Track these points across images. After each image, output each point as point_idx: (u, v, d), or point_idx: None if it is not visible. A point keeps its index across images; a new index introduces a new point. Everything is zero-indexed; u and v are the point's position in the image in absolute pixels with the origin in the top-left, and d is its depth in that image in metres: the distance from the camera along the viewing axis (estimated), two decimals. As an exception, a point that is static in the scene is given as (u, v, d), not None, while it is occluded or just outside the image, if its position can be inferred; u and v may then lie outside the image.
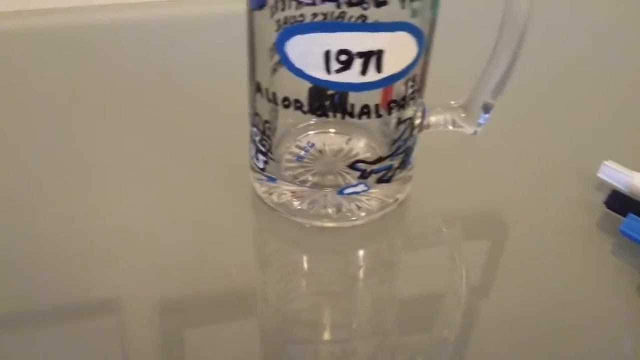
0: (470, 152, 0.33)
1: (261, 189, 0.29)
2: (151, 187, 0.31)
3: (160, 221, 0.29)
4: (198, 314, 0.25)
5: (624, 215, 0.28)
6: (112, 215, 0.29)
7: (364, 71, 0.24)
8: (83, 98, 0.37)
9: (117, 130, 0.34)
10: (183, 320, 0.25)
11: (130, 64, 0.40)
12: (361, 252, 0.29)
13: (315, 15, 0.23)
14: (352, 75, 0.24)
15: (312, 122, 0.29)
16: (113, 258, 0.27)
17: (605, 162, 0.30)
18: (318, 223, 0.28)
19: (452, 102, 0.29)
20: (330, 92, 0.25)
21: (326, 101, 0.25)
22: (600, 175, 0.30)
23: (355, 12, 0.23)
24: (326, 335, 0.25)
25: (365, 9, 0.23)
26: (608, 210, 0.29)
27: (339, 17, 0.23)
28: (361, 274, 0.28)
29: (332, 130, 0.29)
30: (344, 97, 0.25)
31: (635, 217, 0.27)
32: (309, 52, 0.23)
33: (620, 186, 0.30)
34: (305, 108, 0.25)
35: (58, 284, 0.26)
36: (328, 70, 0.24)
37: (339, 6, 0.22)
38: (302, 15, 0.24)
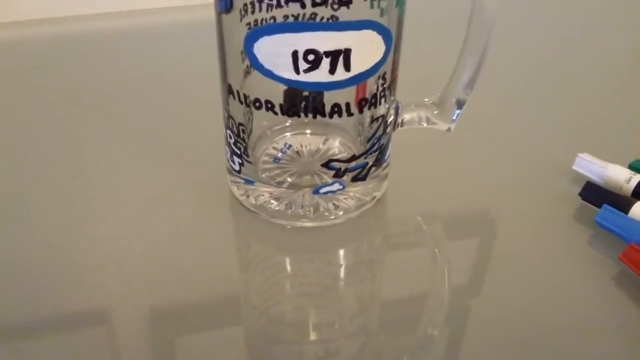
0: (446, 149, 0.33)
1: (238, 191, 0.29)
2: (128, 194, 0.31)
3: (139, 228, 0.29)
4: (182, 321, 0.25)
5: (599, 206, 0.28)
6: (91, 222, 0.29)
7: (332, 70, 0.24)
8: (57, 107, 0.37)
9: (93, 137, 0.34)
10: (166, 328, 0.25)
11: (105, 71, 0.40)
12: (342, 251, 0.29)
13: (286, 17, 0.24)
14: (321, 75, 0.24)
15: (288, 123, 0.29)
16: (102, 266, 0.27)
17: (580, 155, 0.31)
18: (297, 223, 0.28)
19: (426, 100, 0.29)
20: (305, 93, 0.25)
21: (302, 102, 0.25)
22: (575, 167, 0.31)
23: (326, 12, 0.23)
24: (311, 336, 0.26)
25: (335, 9, 0.23)
26: (584, 202, 0.30)
27: (310, 18, 0.24)
28: (343, 273, 0.28)
29: (308, 131, 0.29)
30: (319, 97, 0.25)
31: (610, 207, 0.28)
32: (277, 53, 0.24)
33: (595, 178, 0.30)
34: (277, 109, 0.25)
35: (46, 293, 0.26)
36: (297, 70, 0.24)
37: (303, 7, 0.23)
38: (273, 17, 0.24)
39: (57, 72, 0.40)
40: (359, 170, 0.27)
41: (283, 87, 0.25)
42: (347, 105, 0.25)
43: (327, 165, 0.27)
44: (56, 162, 0.33)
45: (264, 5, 0.24)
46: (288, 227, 0.28)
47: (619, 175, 0.29)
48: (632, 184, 0.29)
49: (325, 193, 0.27)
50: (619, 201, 0.28)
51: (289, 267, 0.28)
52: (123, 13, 0.46)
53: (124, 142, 0.34)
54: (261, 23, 0.24)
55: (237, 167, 0.28)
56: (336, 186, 0.27)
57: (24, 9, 0.45)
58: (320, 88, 0.25)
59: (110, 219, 0.29)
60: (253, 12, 0.24)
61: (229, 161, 0.29)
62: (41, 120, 0.36)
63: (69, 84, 0.39)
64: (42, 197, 0.30)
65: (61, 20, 0.46)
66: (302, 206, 0.28)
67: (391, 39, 0.25)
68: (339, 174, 0.27)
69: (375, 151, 0.28)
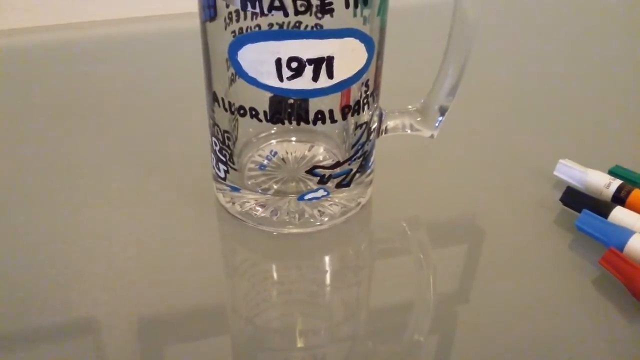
0: (429, 156, 0.33)
1: (224, 198, 0.29)
2: (114, 202, 0.31)
3: (124, 236, 0.29)
4: (169, 329, 0.25)
5: (580, 211, 0.29)
6: (76, 231, 0.29)
7: (315, 77, 0.24)
8: (42, 115, 0.37)
9: (78, 144, 0.34)
10: (152, 337, 0.25)
11: (90, 78, 0.40)
12: (327, 258, 0.29)
13: (270, 25, 0.24)
14: (304, 82, 0.24)
15: (273, 131, 0.29)
16: (88, 275, 0.27)
17: (561, 161, 0.31)
18: (283, 230, 0.28)
19: (409, 107, 0.30)
20: (290, 100, 0.25)
21: (287, 109, 0.26)
22: (556, 173, 0.31)
23: (309, 21, 0.24)
24: (298, 343, 0.26)
25: (318, 18, 0.23)
26: (565, 207, 0.30)
27: (294, 26, 0.24)
28: (329, 279, 0.28)
29: (294, 138, 0.30)
30: (304, 104, 0.26)
31: (590, 212, 0.28)
32: (260, 60, 0.24)
33: (575, 183, 0.30)
34: (261, 116, 0.26)
35: (35, 304, 0.26)
36: (280, 78, 0.24)
37: (287, 15, 0.23)
38: (257, 26, 0.24)
39: (42, 80, 0.40)
40: (343, 176, 0.28)
41: (268, 95, 0.25)
42: (331, 112, 0.26)
43: (311, 171, 0.27)
44: (41, 170, 0.33)
45: (248, 14, 0.24)
46: (274, 233, 0.28)
47: (598, 181, 0.30)
48: (612, 189, 0.29)
49: (310, 199, 0.28)
50: (599, 206, 0.29)
51: (275, 274, 0.28)
52: (108, 22, 0.47)
53: (109, 149, 0.34)
54: (245, 31, 0.25)
55: (222, 175, 0.28)
56: (321, 192, 0.28)
57: (10, 17, 0.45)
58: (303, 95, 0.25)
59: (95, 227, 0.29)
60: (237, 21, 0.25)
61: (214, 168, 0.29)
62: (27, 128, 0.36)
63: (55, 92, 0.39)
64: (27, 204, 0.30)
65: (45, 29, 0.46)
66: (288, 213, 0.28)
67: (373, 46, 0.25)
68: (323, 181, 0.27)
69: (359, 157, 0.28)
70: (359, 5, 0.24)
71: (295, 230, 0.28)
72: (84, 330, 0.25)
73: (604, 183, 0.30)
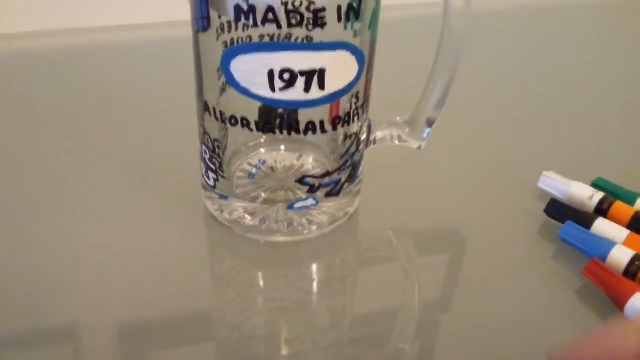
0: (416, 167, 0.34)
1: (213, 206, 0.29)
2: (103, 209, 0.31)
3: (110, 243, 0.29)
4: (155, 337, 0.25)
5: (563, 222, 0.29)
6: (67, 241, 0.29)
7: (307, 89, 0.24)
8: (31, 124, 0.37)
9: (66, 153, 0.34)
10: (139, 344, 0.25)
11: (80, 86, 0.40)
12: (315, 266, 0.29)
13: (262, 36, 0.24)
14: (297, 93, 0.25)
15: (263, 140, 0.29)
16: (72, 283, 0.27)
17: (545, 173, 0.32)
18: (271, 238, 0.29)
19: (398, 118, 0.30)
20: (280, 110, 0.26)
21: (277, 119, 0.26)
22: (540, 185, 0.32)
23: (300, 33, 0.24)
24: (284, 351, 0.26)
25: (309, 30, 0.24)
26: (549, 218, 0.31)
27: (286, 38, 0.24)
28: (315, 288, 0.28)
29: (283, 147, 0.30)
30: (293, 115, 0.26)
31: (573, 224, 0.29)
32: (253, 71, 0.24)
33: (559, 195, 0.31)
34: (252, 126, 0.26)
35: (16, 312, 0.26)
36: (273, 88, 0.24)
37: (280, 27, 0.23)
38: (249, 36, 0.24)
39: (31, 87, 0.40)
40: (333, 186, 0.28)
41: (258, 105, 0.25)
42: (322, 123, 0.26)
43: (301, 181, 0.28)
44: (26, 178, 0.32)
45: (240, 25, 0.24)
46: (262, 241, 0.29)
47: (582, 193, 0.30)
48: (594, 201, 0.30)
49: (299, 208, 0.28)
50: (582, 217, 0.29)
51: (261, 282, 0.29)
52: (97, 29, 0.46)
53: (98, 156, 0.34)
54: (237, 42, 0.25)
55: (212, 183, 0.29)
56: (310, 202, 0.28)
57: (6, 23, 0.45)
58: (295, 106, 0.25)
59: (79, 233, 0.29)
60: (230, 31, 0.25)
61: (204, 177, 0.29)
62: (13, 136, 0.36)
63: (45, 98, 0.39)
64: (10, 213, 0.30)
65: (33, 35, 0.45)
66: (276, 221, 0.28)
67: (364, 59, 0.26)
68: (313, 190, 0.28)
69: (348, 168, 0.28)
70: (351, 19, 0.24)
71: (283, 239, 0.29)
72: (66, 337, 0.25)
73: (586, 195, 0.30)
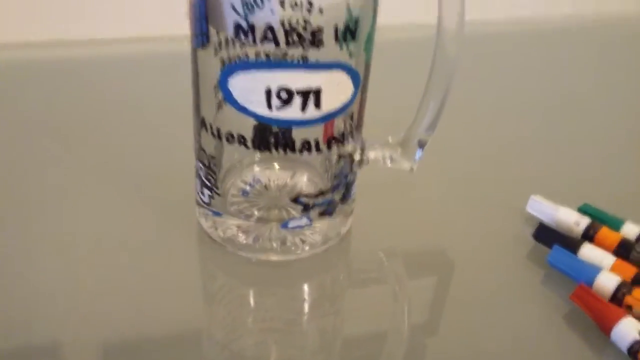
0: (408, 188, 0.34)
1: (207, 223, 0.29)
2: (95, 223, 0.31)
3: (105, 258, 0.29)
4: (143, 354, 0.25)
5: (551, 246, 0.29)
6: (55, 254, 0.29)
7: (303, 108, 0.25)
8: (25, 134, 0.37)
9: (61, 165, 0.34)
10: None
11: (74, 100, 0.40)
12: (306, 286, 0.29)
13: (258, 54, 0.25)
14: (293, 112, 0.25)
15: (257, 157, 0.30)
16: (56, 299, 0.27)
17: (533, 197, 0.32)
18: (263, 257, 0.29)
19: (390, 139, 0.30)
20: (275, 129, 0.26)
21: (271, 138, 0.26)
22: (528, 209, 0.32)
23: (296, 52, 0.24)
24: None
25: (305, 49, 0.24)
26: (537, 242, 0.31)
27: (282, 56, 0.25)
28: (306, 308, 0.28)
29: (277, 165, 0.30)
30: (287, 133, 0.26)
31: (560, 248, 0.29)
32: (251, 89, 0.25)
33: (546, 219, 0.31)
34: (249, 144, 0.26)
35: (0, 327, 0.25)
36: (270, 106, 0.25)
37: (278, 46, 0.24)
38: (245, 54, 0.25)
39: (27, 96, 0.40)
40: (326, 205, 0.28)
41: (253, 122, 0.26)
42: (317, 142, 0.26)
43: (296, 200, 0.28)
44: (17, 189, 0.32)
45: (237, 42, 0.25)
46: (253, 260, 0.29)
47: (569, 218, 0.31)
48: (582, 227, 0.30)
49: (293, 227, 0.28)
50: (570, 242, 0.29)
51: (252, 301, 0.29)
52: (94, 41, 0.47)
53: (92, 171, 0.34)
54: (234, 59, 0.25)
55: (206, 200, 0.29)
56: (304, 221, 0.28)
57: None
58: (291, 125, 0.26)
59: (70, 248, 0.29)
60: (227, 48, 0.25)
61: (198, 193, 0.29)
62: (7, 146, 0.36)
63: (40, 111, 0.39)
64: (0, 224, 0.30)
65: (29, 46, 0.46)
66: (270, 240, 0.28)
67: (359, 80, 0.26)
68: (306, 209, 0.28)
69: (341, 188, 0.29)
70: (347, 39, 0.25)
71: (275, 258, 0.29)
72: (51, 356, 0.24)
73: (573, 220, 0.31)
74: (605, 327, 0.26)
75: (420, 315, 0.28)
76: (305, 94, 0.25)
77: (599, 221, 0.31)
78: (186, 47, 0.27)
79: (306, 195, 0.28)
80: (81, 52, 0.46)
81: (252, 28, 0.23)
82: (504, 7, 0.55)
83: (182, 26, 0.26)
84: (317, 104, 0.25)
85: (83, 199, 0.32)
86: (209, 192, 0.28)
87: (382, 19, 0.27)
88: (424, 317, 0.28)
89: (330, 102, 0.25)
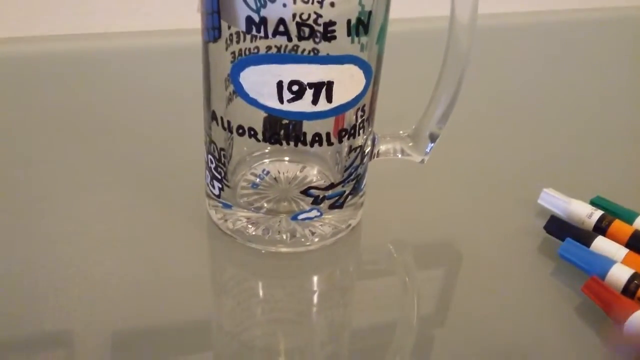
0: (419, 181, 0.34)
1: (216, 215, 0.30)
2: (106, 215, 0.31)
3: (115, 250, 0.29)
4: (153, 344, 0.25)
5: (563, 239, 0.29)
6: (65, 245, 0.29)
7: (315, 101, 0.25)
8: (38, 127, 0.37)
9: (71, 158, 0.34)
10: (137, 352, 0.25)
11: (86, 92, 0.40)
12: (315, 278, 0.29)
13: (269, 48, 0.25)
14: (304, 105, 0.25)
15: (267, 150, 0.30)
16: (66, 289, 0.27)
17: (545, 190, 0.32)
18: (273, 248, 0.29)
19: (401, 132, 0.30)
20: (284, 121, 0.26)
21: (281, 130, 0.26)
22: (540, 202, 0.32)
23: (307, 45, 0.24)
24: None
25: (316, 42, 0.24)
26: (548, 235, 0.31)
27: (292, 50, 0.24)
28: (315, 299, 0.28)
29: (287, 158, 0.30)
30: (297, 126, 0.26)
31: (572, 241, 0.29)
32: (262, 82, 0.24)
33: (558, 212, 0.31)
34: (260, 136, 0.26)
35: (9, 316, 0.25)
36: (281, 100, 0.25)
37: (290, 40, 0.24)
38: (256, 47, 0.25)
39: (37, 90, 0.40)
40: (336, 198, 0.28)
41: (263, 115, 0.26)
42: (328, 135, 0.26)
43: (306, 192, 0.28)
44: (27, 182, 0.32)
45: (248, 36, 0.25)
46: (263, 251, 0.29)
47: (581, 211, 0.31)
48: (594, 219, 0.30)
49: (303, 219, 0.28)
50: (582, 235, 0.29)
51: (261, 292, 0.29)
52: (105, 34, 0.47)
53: (103, 162, 0.34)
54: (245, 52, 0.25)
55: (216, 192, 0.29)
56: (314, 213, 0.28)
57: (4, 26, 0.45)
58: (302, 117, 0.25)
59: (82, 239, 0.29)
60: (238, 42, 0.25)
61: (208, 185, 0.29)
62: (18, 137, 0.36)
63: (50, 103, 0.39)
64: (7, 216, 0.30)
65: (43, 39, 0.46)
66: (279, 232, 0.28)
67: (371, 73, 0.26)
68: (317, 201, 0.28)
69: (352, 180, 0.28)
70: (359, 33, 0.24)
71: (285, 250, 0.29)
72: (61, 344, 0.25)
73: (586, 213, 0.31)
74: (617, 320, 0.26)
75: (429, 306, 0.28)
76: (317, 87, 0.24)
77: (612, 214, 0.31)
78: (197, 40, 0.27)
79: (316, 188, 0.28)
80: (91, 45, 0.46)
81: (264, 22, 0.23)
82: (516, 0, 0.55)
83: (193, 20, 0.26)
84: (329, 97, 0.25)
85: (94, 190, 0.32)
86: (219, 185, 0.28)
87: (394, 11, 0.26)
88: (433, 309, 0.28)
89: (342, 95, 0.25)
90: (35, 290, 0.26)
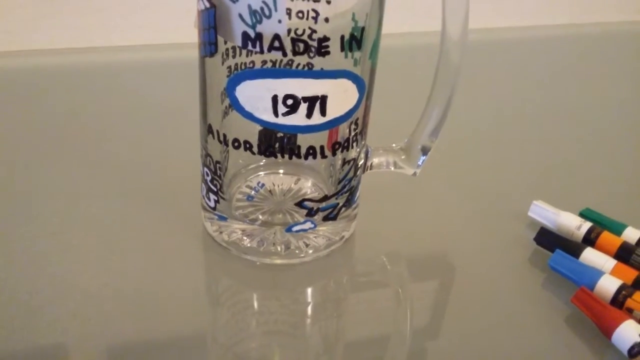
0: (411, 193, 0.35)
1: (212, 227, 0.30)
2: (102, 227, 0.31)
3: (110, 262, 0.29)
4: (149, 357, 0.25)
5: (552, 251, 0.30)
6: (60, 257, 0.29)
7: (309, 115, 0.25)
8: (35, 139, 0.37)
9: (67, 169, 0.34)
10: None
11: (84, 105, 0.41)
12: (309, 289, 0.30)
13: (264, 62, 0.25)
14: (299, 119, 0.25)
15: (262, 163, 0.30)
16: (60, 303, 0.27)
17: (535, 202, 0.32)
18: (267, 260, 0.29)
19: (394, 145, 0.31)
20: (279, 134, 0.26)
21: (275, 143, 0.26)
22: (530, 214, 0.32)
23: (302, 60, 0.25)
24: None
25: (310, 57, 0.25)
26: (538, 246, 0.31)
27: (287, 64, 0.25)
28: (310, 310, 0.29)
29: (281, 170, 0.30)
30: (292, 139, 0.27)
31: (562, 252, 0.29)
32: (257, 96, 0.25)
33: (548, 224, 0.32)
34: (255, 149, 0.26)
35: (2, 330, 0.25)
36: (276, 113, 0.25)
37: (285, 55, 0.24)
38: (252, 62, 0.25)
39: (35, 104, 0.41)
40: (330, 210, 0.29)
41: (258, 128, 0.26)
42: (322, 148, 0.27)
43: (300, 204, 0.28)
44: (23, 193, 0.33)
45: (244, 51, 0.25)
46: (257, 263, 0.29)
47: (570, 222, 0.31)
48: (582, 231, 0.31)
49: (297, 231, 0.28)
50: (571, 246, 0.30)
51: (256, 304, 0.29)
52: (102, 49, 0.47)
53: (99, 173, 0.34)
54: (241, 67, 0.25)
55: (212, 204, 0.29)
56: (308, 225, 0.28)
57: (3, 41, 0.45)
58: (297, 131, 0.26)
59: (76, 250, 0.29)
60: (234, 56, 0.25)
61: (204, 198, 0.30)
62: (15, 150, 0.36)
63: (49, 115, 0.39)
64: (1, 228, 0.30)
65: (43, 53, 0.46)
66: (274, 243, 0.29)
67: (364, 87, 0.27)
68: (311, 213, 0.28)
69: (346, 192, 0.29)
70: (353, 48, 0.25)
71: (279, 261, 0.29)
72: (56, 357, 0.25)
73: (575, 225, 0.31)
74: (606, 330, 0.26)
75: (422, 318, 0.28)
76: (311, 101, 0.25)
77: (600, 226, 0.31)
78: (193, 54, 0.27)
79: (310, 200, 0.28)
80: (90, 59, 0.47)
81: (259, 37, 0.24)
82: (506, 16, 0.56)
83: (189, 34, 0.27)
84: (323, 111, 0.25)
85: (89, 202, 0.32)
86: (215, 197, 0.29)
87: (386, 26, 0.27)
88: (426, 320, 0.28)
89: (336, 109, 0.26)
90: (29, 303, 0.27)
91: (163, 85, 0.44)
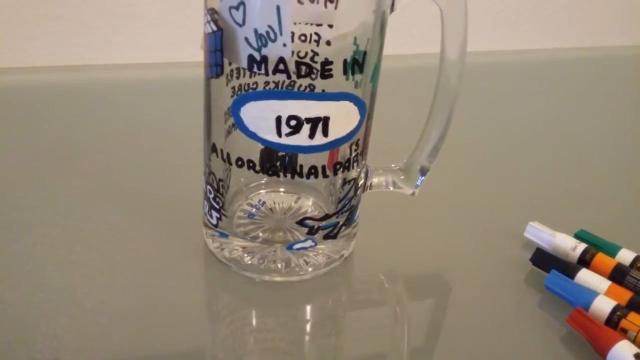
0: (410, 213, 0.35)
1: (213, 244, 0.30)
2: (102, 242, 0.31)
3: (109, 278, 0.29)
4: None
5: (548, 271, 0.30)
6: (58, 272, 0.29)
7: (312, 135, 0.26)
8: (36, 154, 0.37)
9: (69, 185, 0.35)
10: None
11: (88, 123, 0.41)
12: (308, 307, 0.30)
13: (267, 83, 0.26)
14: (301, 139, 0.26)
15: (263, 181, 0.30)
16: (57, 318, 0.27)
17: (531, 223, 0.33)
18: (267, 277, 0.29)
19: (393, 165, 0.31)
20: (280, 153, 0.27)
21: (277, 162, 0.27)
22: (526, 235, 0.33)
23: (304, 82, 0.25)
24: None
25: (313, 79, 0.25)
26: (534, 267, 0.32)
27: (290, 85, 0.26)
28: (308, 328, 0.29)
29: (282, 189, 0.31)
30: (293, 158, 0.27)
31: (557, 273, 0.30)
32: (261, 117, 0.25)
33: (544, 245, 0.32)
34: (258, 168, 0.27)
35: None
36: (279, 133, 0.26)
37: (289, 77, 0.25)
38: (255, 83, 0.26)
39: (40, 121, 0.41)
40: (331, 228, 0.29)
41: (261, 147, 0.27)
42: (323, 167, 0.27)
43: (301, 222, 0.29)
44: (22, 207, 0.33)
45: (247, 72, 0.26)
46: (257, 280, 0.29)
47: (565, 244, 0.32)
48: (578, 252, 0.31)
49: (298, 249, 0.29)
50: (566, 267, 0.30)
51: (255, 321, 0.29)
52: (109, 66, 0.48)
53: (102, 191, 0.34)
54: (245, 87, 0.26)
55: (214, 221, 0.29)
56: (309, 243, 0.29)
57: (5, 57, 0.46)
58: (299, 151, 0.26)
59: (78, 266, 0.29)
60: (238, 77, 0.26)
61: (206, 215, 0.30)
62: (17, 165, 0.36)
63: (51, 133, 0.40)
64: (8, 241, 0.30)
65: (48, 70, 0.47)
66: (274, 261, 0.29)
67: (365, 109, 0.27)
68: (312, 232, 0.29)
69: (346, 211, 0.29)
70: (355, 71, 0.26)
71: (279, 279, 0.29)
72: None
73: (570, 246, 0.32)
74: (601, 350, 0.27)
75: (419, 337, 0.29)
76: (314, 122, 0.25)
77: (595, 247, 0.32)
78: (198, 73, 0.28)
79: (311, 218, 0.29)
80: (96, 76, 0.47)
81: (265, 60, 0.24)
82: (504, 39, 0.57)
83: (195, 54, 0.27)
84: (325, 132, 0.26)
85: (92, 218, 0.33)
86: (217, 214, 0.29)
87: (387, 48, 0.27)
88: (423, 339, 0.29)
89: (338, 130, 0.26)
90: (25, 318, 0.27)
91: (166, 103, 0.44)
